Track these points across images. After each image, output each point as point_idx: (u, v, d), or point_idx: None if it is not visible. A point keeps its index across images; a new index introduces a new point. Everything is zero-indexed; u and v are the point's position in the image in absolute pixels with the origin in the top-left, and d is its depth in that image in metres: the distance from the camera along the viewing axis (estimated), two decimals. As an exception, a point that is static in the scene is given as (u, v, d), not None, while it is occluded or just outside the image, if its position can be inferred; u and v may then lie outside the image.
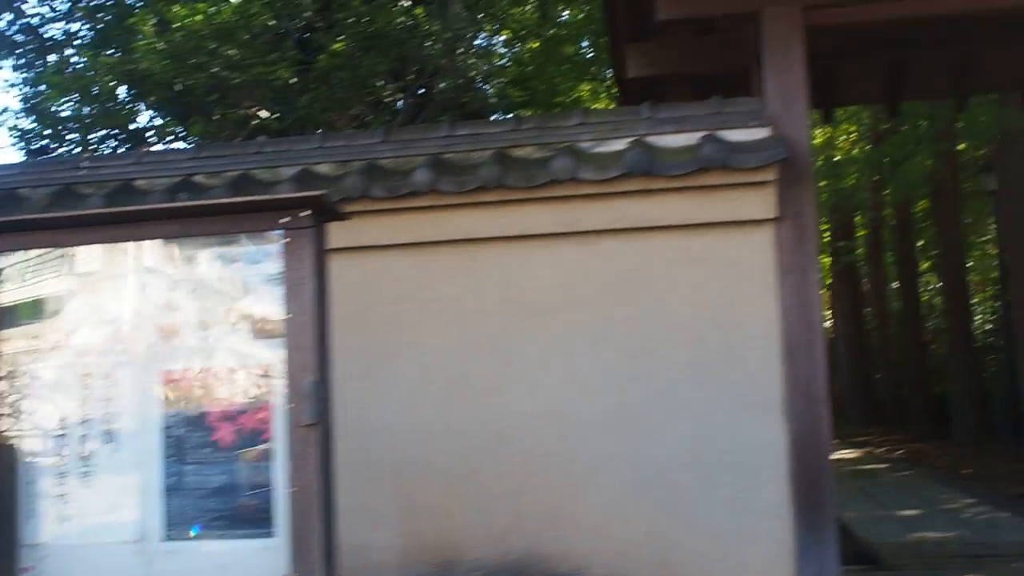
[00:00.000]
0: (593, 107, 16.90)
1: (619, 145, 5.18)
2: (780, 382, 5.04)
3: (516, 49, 16.91)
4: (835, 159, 24.09)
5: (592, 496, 5.14)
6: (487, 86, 13.19)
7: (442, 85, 10.18)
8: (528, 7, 16.30)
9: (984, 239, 27.51)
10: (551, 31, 16.85)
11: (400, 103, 9.33)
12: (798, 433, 5.00)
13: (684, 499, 5.07)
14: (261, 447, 3.65)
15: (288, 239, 3.64)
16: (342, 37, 8.36)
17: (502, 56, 16.31)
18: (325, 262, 3.72)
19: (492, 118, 12.19)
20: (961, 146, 21.14)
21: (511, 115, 12.56)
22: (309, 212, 3.62)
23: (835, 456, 19.74)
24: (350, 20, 8.31)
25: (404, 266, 5.37)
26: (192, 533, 3.70)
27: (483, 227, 5.25)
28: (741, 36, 5.92)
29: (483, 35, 14.66)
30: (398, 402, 5.28)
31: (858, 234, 32.35)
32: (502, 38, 16.45)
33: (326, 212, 3.74)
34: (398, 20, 8.69)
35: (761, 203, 5.05)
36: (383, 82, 8.88)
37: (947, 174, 20.85)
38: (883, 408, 29.83)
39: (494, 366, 5.27)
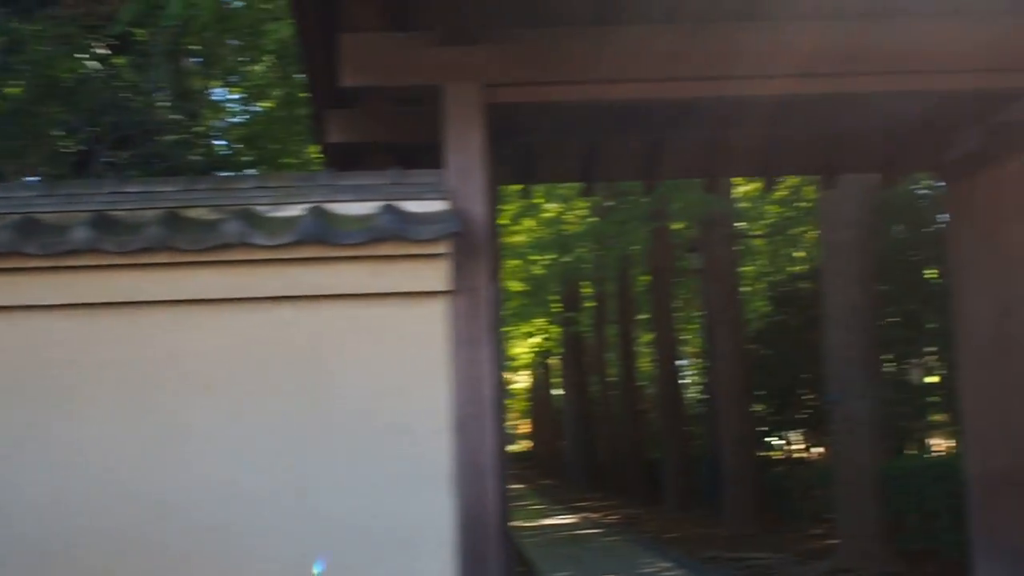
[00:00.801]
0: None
1: (295, 211, 5.08)
2: (449, 455, 5.04)
3: (252, 107, 16.67)
4: (565, 232, 24.86)
5: (256, 572, 4.94)
6: (221, 142, 12.88)
7: (169, 138, 9.82)
8: (264, 65, 16.07)
9: (699, 314, 29.08)
10: (283, 91, 16.66)
11: (82, 155, 8.85)
12: (466, 507, 5.00)
13: (350, 573, 4.95)
14: None
15: None
16: (19, 82, 7.90)
17: (234, 112, 16.04)
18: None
19: (224, 175, 11.87)
20: (678, 225, 22.39)
21: (241, 173, 12.30)
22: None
23: (554, 521, 20.24)
24: (27, 65, 7.83)
25: (66, 328, 5.05)
26: None
27: (149, 290, 5.00)
28: (439, 107, 5.99)
29: (218, 90, 14.42)
30: (53, 474, 4.93)
31: (585, 305, 33.53)
32: (236, 96, 16.17)
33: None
34: (85, 69, 8.28)
35: (435, 275, 5.06)
36: (64, 132, 8.43)
37: (661, 252, 21.99)
38: (604, 474, 30.79)
39: (158, 436, 5.01)
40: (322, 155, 7.84)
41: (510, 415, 73.84)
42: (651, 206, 18.43)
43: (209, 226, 4.96)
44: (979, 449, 6.75)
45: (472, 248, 5.16)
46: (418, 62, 5.41)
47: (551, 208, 28.55)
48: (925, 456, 14.18)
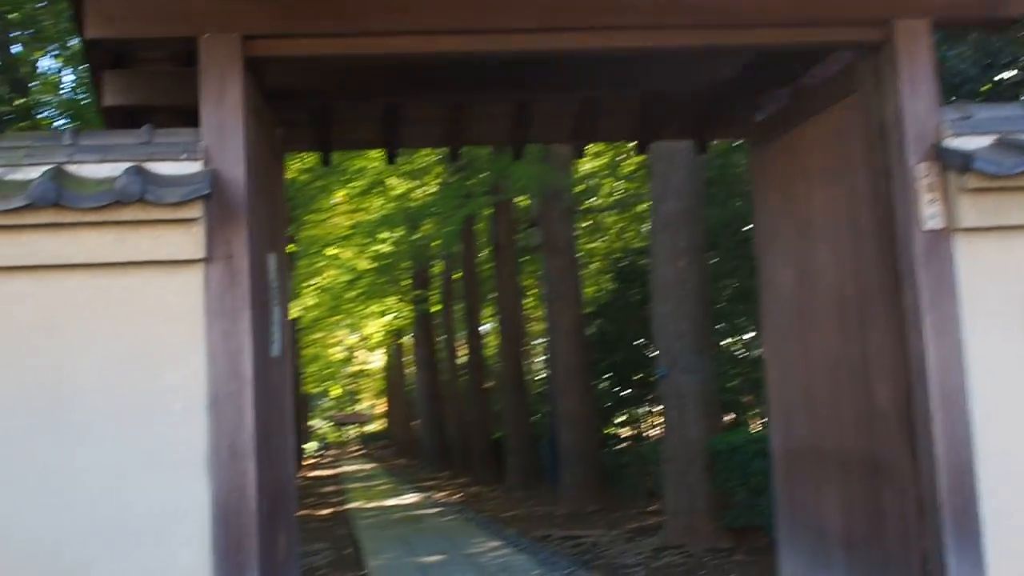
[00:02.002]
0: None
1: (34, 173, 4.63)
2: (204, 436, 4.68)
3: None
4: (411, 208, 24.48)
5: (-9, 565, 4.51)
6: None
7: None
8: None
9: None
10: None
11: None
12: (222, 491, 4.65)
13: (96, 567, 4.56)
14: None
15: None
16: None
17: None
18: None
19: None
20: (522, 200, 22.25)
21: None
22: None
23: (396, 502, 19.94)
24: None
25: None
26: None
27: None
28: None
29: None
30: None
31: (434, 284, 33.26)
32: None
33: None
34: None
35: (187, 242, 4.67)
36: None
37: (504, 228, 21.83)
38: (453, 453, 30.65)
39: None
40: (103, 119, 7.30)
41: (368, 394, 73.41)
42: (491, 180, 18.25)
43: (-71, 190, 4.47)
44: (781, 423, 6.68)
45: (229, 213, 4.79)
46: (171, 11, 4.99)
47: (400, 185, 28.27)
48: (752, 431, 14.29)
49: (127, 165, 4.72)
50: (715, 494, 11.54)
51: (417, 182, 27.82)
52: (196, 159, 4.82)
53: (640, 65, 6.79)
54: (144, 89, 6.40)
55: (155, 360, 4.69)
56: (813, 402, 6.20)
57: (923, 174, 5.04)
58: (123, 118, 6.90)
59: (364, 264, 34.12)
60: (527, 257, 24.84)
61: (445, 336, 32.59)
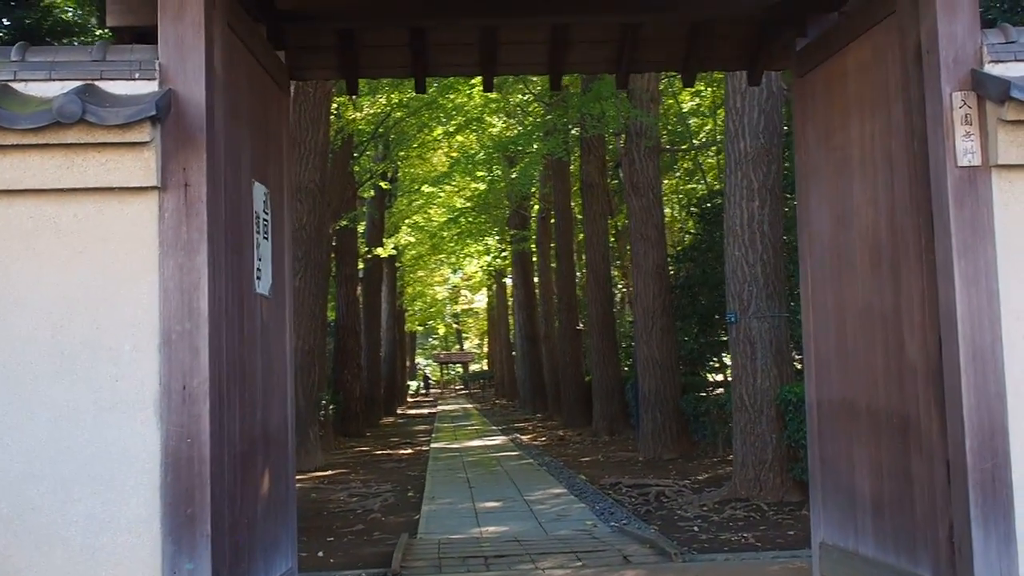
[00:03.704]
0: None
1: (-27, 91, 4.31)
2: (155, 377, 4.34)
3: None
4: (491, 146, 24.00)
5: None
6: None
7: None
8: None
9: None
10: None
11: None
12: (172, 437, 4.32)
13: (37, 514, 4.29)
14: None
15: None
16: None
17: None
18: None
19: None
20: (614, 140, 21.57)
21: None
22: None
23: (479, 443, 19.75)
24: None
25: None
26: None
27: None
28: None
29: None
30: None
31: (531, 224, 32.82)
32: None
33: None
34: None
35: (138, 168, 4.31)
36: None
37: (592, 167, 21.21)
38: (547, 394, 30.36)
39: None
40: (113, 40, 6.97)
41: (473, 333, 73.60)
42: (574, 117, 17.65)
43: None
44: (815, 374, 6.07)
45: (187, 138, 4.40)
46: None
47: (496, 123, 27.83)
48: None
49: (77, 84, 4.37)
50: (785, 446, 10.92)
51: (512, 120, 27.35)
52: (151, 79, 4.44)
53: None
54: (147, 9, 6.04)
55: (105, 295, 4.37)
56: (846, 353, 5.59)
57: (958, 104, 4.38)
58: (133, 40, 6.56)
59: (460, 203, 33.86)
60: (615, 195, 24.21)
61: (541, 278, 32.17)
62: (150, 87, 4.44)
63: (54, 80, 4.43)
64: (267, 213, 5.51)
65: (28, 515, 4.29)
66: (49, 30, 12.97)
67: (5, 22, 12.34)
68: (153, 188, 4.36)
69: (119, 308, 4.37)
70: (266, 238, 5.47)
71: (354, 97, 10.80)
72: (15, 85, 4.41)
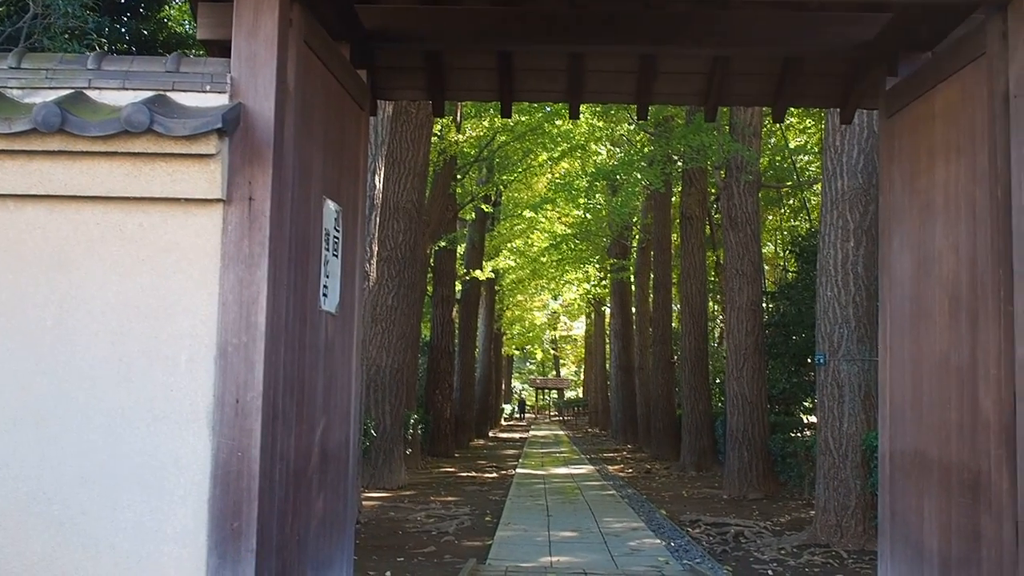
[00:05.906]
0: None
1: (52, 96, 4.38)
2: (209, 389, 4.34)
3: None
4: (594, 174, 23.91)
5: (-13, 508, 4.33)
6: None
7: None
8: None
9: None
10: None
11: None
12: (224, 449, 4.30)
13: (87, 518, 4.30)
14: None
15: None
16: None
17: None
18: None
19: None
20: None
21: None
22: None
23: (566, 471, 19.58)
24: None
25: None
26: None
27: None
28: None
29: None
30: None
31: (632, 253, 32.59)
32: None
33: None
34: None
35: (204, 180, 4.33)
36: None
37: (693, 199, 20.98)
38: (638, 426, 30.05)
39: None
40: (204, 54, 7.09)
41: (570, 360, 73.30)
42: (677, 148, 17.46)
43: (-61, 109, 4.28)
44: (892, 423, 5.81)
45: (254, 152, 4.40)
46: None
47: (601, 151, 27.77)
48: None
49: (149, 94, 4.41)
50: (869, 493, 10.55)
51: (616, 149, 27.24)
52: (222, 92, 4.46)
53: (775, 22, 6.02)
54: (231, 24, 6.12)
55: (164, 304, 4.38)
56: (920, 403, 5.33)
57: (1045, 150, 4.14)
58: (221, 54, 6.65)
59: (561, 229, 33.81)
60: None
61: (638, 309, 31.90)
62: (220, 100, 4.46)
63: (127, 89, 4.48)
64: (338, 231, 5.50)
65: (79, 519, 4.31)
66: (164, 42, 13.31)
67: (122, 30, 12.70)
68: (218, 200, 4.38)
69: (177, 318, 4.38)
70: (335, 255, 5.46)
71: (457, 119, 10.78)
72: (90, 93, 4.47)
